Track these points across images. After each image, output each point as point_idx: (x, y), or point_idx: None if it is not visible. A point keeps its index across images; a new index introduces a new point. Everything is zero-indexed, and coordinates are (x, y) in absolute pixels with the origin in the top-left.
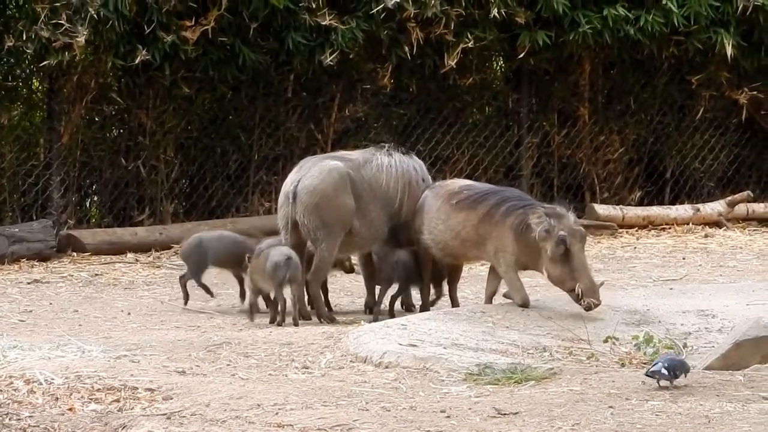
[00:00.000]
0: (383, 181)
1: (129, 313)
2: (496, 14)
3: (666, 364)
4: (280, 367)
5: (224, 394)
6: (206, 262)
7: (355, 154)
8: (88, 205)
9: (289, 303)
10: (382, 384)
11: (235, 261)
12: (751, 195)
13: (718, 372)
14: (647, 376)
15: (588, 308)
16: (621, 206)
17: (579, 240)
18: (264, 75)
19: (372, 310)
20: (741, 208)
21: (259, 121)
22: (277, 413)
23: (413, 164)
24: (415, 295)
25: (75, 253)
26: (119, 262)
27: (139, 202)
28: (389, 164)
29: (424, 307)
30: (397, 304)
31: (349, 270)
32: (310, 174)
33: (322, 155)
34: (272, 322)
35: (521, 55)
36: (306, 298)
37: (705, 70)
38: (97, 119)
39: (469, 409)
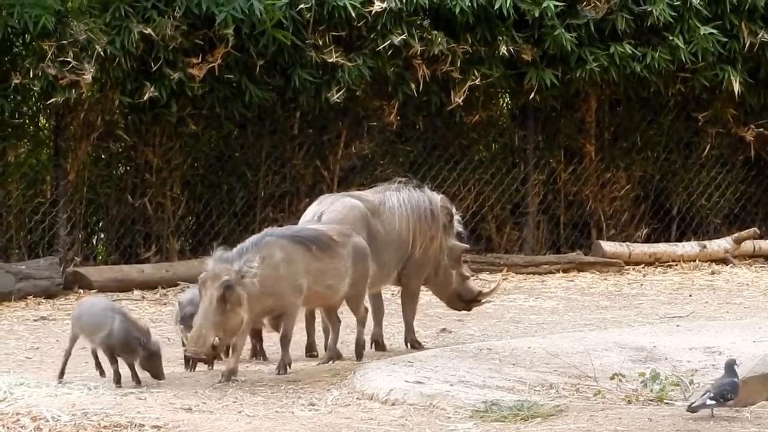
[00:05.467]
0: (395, 224)
1: None
2: (504, 52)
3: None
4: (287, 404)
5: (231, 431)
6: None
7: (371, 196)
8: (94, 242)
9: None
10: (389, 421)
11: None
12: (758, 232)
13: (725, 409)
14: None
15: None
16: (627, 243)
17: (212, 287)
18: (270, 112)
19: (378, 342)
20: (748, 245)
21: (266, 158)
22: None
23: (423, 198)
24: None
25: (82, 290)
26: (125, 299)
27: (145, 239)
28: (399, 205)
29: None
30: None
31: None
32: (333, 208)
33: (340, 193)
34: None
35: (531, 96)
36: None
37: (711, 107)
38: (103, 156)
39: None
